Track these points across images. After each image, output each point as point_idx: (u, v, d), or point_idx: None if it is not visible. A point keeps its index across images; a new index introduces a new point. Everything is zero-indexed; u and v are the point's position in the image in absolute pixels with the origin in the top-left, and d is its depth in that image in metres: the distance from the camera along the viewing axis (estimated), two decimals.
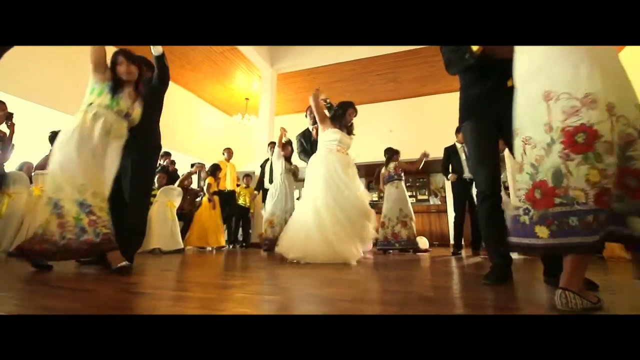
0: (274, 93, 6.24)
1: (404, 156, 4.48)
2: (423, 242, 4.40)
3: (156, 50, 2.02)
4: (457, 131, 3.97)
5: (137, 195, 2.02)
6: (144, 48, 2.09)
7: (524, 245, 0.95)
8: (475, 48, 1.42)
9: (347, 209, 2.55)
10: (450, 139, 4.09)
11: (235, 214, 5.55)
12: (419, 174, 7.77)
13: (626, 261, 2.72)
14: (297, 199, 3.75)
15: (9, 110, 3.04)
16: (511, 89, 1.50)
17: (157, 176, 4.14)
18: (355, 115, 2.95)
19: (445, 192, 7.70)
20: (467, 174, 3.74)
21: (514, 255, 2.46)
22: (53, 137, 3.07)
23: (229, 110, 8.41)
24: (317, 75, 6.66)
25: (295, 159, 4.05)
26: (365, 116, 3.06)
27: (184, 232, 4.39)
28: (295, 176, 4.17)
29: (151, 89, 2.11)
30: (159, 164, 4.58)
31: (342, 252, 2.36)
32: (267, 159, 4.71)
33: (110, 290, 1.21)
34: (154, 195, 3.86)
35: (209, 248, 4.57)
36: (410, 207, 4.15)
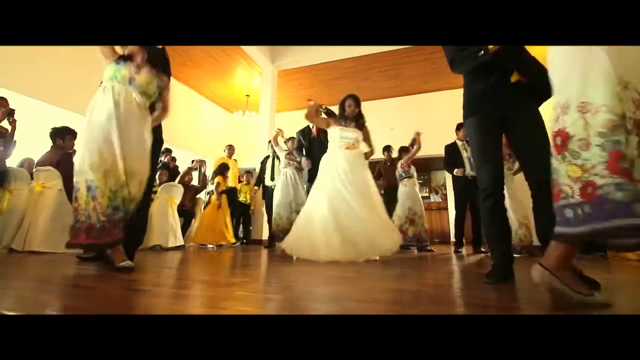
0: (274, 90, 6.22)
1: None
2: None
3: None
4: (457, 128, 3.96)
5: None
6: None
7: (631, 226, 0.78)
8: (491, 46, 1.41)
9: (349, 209, 2.53)
10: (452, 136, 4.07)
11: (236, 211, 5.55)
12: (420, 171, 7.75)
13: (631, 261, 2.71)
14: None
15: (11, 106, 3.04)
16: (515, 84, 1.50)
17: (158, 173, 4.13)
18: (355, 105, 2.84)
19: (446, 189, 7.69)
20: (468, 171, 3.73)
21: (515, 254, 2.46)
22: (54, 133, 3.07)
23: (229, 107, 8.40)
24: (318, 72, 6.63)
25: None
26: (367, 113, 3.03)
27: (184, 228, 4.40)
28: (300, 171, 4.14)
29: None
30: (160, 160, 4.58)
31: (344, 252, 2.36)
32: (268, 156, 4.70)
33: (110, 288, 1.21)
34: (155, 192, 3.87)
35: (210, 245, 4.58)
36: (422, 205, 4.15)
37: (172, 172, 4.68)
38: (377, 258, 2.47)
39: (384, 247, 2.46)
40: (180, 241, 3.94)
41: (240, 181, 5.82)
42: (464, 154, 3.84)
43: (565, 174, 0.91)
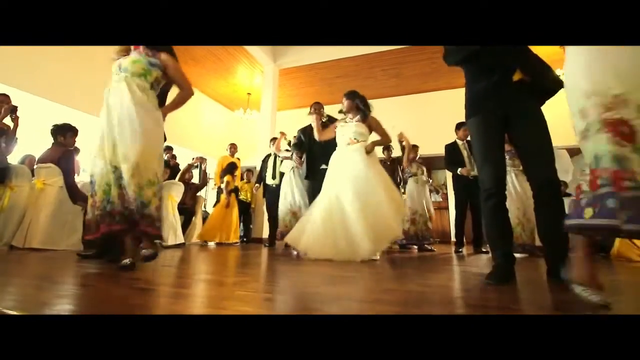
0: (276, 88, 6.22)
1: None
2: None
3: None
4: (457, 128, 3.94)
5: None
6: None
7: None
8: None
9: (338, 209, 2.54)
10: (453, 135, 4.05)
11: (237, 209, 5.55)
12: None
13: (635, 262, 2.71)
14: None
15: (13, 103, 3.04)
16: (518, 83, 1.49)
17: None
18: (350, 101, 2.81)
19: (446, 188, 7.67)
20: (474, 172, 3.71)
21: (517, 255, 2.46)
22: (55, 130, 3.06)
23: (231, 105, 8.39)
24: (319, 70, 6.62)
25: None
26: None
27: (184, 226, 4.40)
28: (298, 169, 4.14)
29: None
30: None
31: (346, 251, 2.37)
32: (269, 154, 4.69)
33: (110, 286, 1.21)
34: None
35: (211, 243, 4.58)
36: (423, 204, 4.13)
37: (172, 169, 4.68)
38: (377, 258, 2.47)
39: (363, 251, 2.34)
40: (180, 239, 3.94)
41: (241, 179, 5.83)
42: (465, 154, 3.83)
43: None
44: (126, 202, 1.58)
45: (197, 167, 5.07)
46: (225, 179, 4.80)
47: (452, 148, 3.94)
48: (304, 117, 3.05)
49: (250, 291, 1.20)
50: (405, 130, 4.17)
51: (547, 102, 1.53)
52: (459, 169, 3.76)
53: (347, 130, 2.79)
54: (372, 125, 2.80)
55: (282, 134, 4.12)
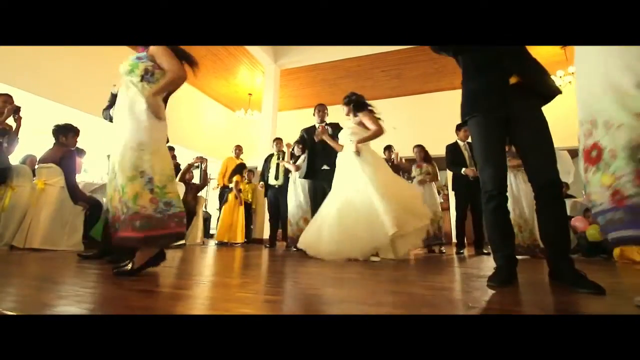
0: (277, 89, 6.23)
1: (406, 152, 4.45)
2: None
3: None
4: (458, 128, 3.93)
5: None
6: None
7: None
8: None
9: (332, 210, 2.59)
10: (454, 136, 4.04)
11: None
12: None
13: (638, 264, 2.69)
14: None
15: (16, 103, 3.04)
16: (516, 86, 1.47)
17: None
18: (345, 107, 2.93)
19: (448, 189, 7.66)
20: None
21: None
22: (57, 130, 3.07)
23: (232, 106, 8.40)
24: (321, 71, 6.62)
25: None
26: None
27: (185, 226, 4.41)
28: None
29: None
30: None
31: (347, 251, 2.37)
32: (272, 154, 4.70)
33: (111, 287, 1.21)
34: None
35: (212, 243, 4.58)
36: (438, 204, 4.15)
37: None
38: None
39: (351, 253, 2.36)
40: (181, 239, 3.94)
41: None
42: (466, 155, 3.81)
43: (598, 183, 0.95)
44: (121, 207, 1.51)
45: (197, 167, 5.08)
46: (235, 178, 4.89)
47: (453, 148, 3.92)
48: (305, 118, 3.06)
49: (251, 292, 1.19)
50: (407, 131, 4.17)
51: (547, 105, 1.52)
52: (463, 169, 3.73)
53: (345, 133, 2.92)
54: (363, 120, 2.84)
55: (289, 145, 4.19)
